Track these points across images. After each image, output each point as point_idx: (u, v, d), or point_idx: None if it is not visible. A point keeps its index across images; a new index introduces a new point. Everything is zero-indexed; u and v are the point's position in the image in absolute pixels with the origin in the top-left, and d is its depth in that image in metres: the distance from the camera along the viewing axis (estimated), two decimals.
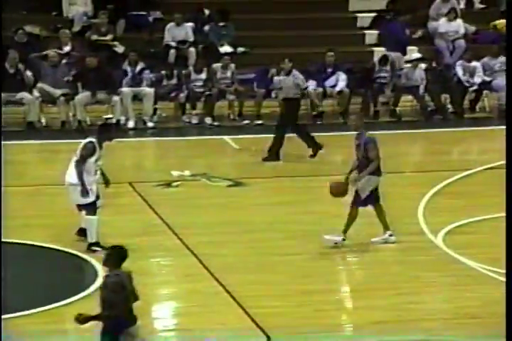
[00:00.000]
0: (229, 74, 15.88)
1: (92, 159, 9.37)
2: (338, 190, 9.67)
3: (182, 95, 15.64)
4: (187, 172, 12.46)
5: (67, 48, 16.20)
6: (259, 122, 15.61)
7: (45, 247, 9.49)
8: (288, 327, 7.81)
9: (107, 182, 9.71)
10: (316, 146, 13.21)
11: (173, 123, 15.65)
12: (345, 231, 9.62)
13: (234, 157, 13.61)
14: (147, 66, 15.70)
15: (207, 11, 17.86)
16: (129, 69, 15.59)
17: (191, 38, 17.33)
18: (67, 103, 15.13)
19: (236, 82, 15.84)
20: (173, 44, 17.24)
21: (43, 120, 15.11)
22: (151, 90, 15.43)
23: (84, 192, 9.32)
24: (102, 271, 8.87)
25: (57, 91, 15.13)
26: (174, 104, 15.88)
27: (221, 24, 17.39)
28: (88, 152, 9.36)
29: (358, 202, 9.58)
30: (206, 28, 17.60)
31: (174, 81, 15.76)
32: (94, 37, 16.92)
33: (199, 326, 7.90)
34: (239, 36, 17.47)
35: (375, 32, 18.28)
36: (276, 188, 12.00)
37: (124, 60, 15.88)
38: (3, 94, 14.63)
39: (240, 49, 17.33)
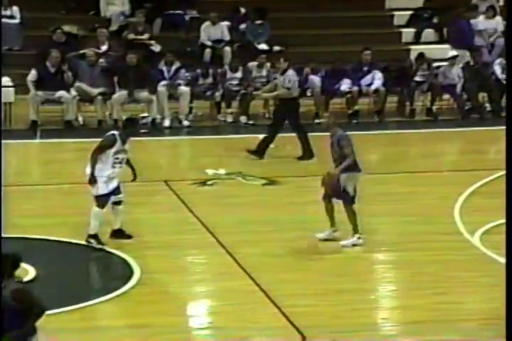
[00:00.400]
0: (264, 72, 15.87)
1: (111, 151, 9.35)
2: (330, 181, 9.61)
3: (217, 94, 15.66)
4: (222, 171, 12.47)
5: (104, 47, 16.30)
6: None
7: (82, 245, 9.54)
8: (323, 326, 7.78)
9: (134, 176, 9.70)
10: (262, 150, 13.11)
11: (209, 121, 15.68)
12: (356, 231, 9.56)
13: (269, 155, 13.58)
14: (183, 65, 15.75)
15: (243, 10, 17.87)
16: (164, 68, 15.64)
17: (227, 37, 17.36)
18: (104, 102, 15.22)
19: (271, 80, 15.81)
20: (209, 43, 17.28)
21: (80, 119, 15.21)
22: (186, 89, 15.48)
23: (93, 181, 9.33)
24: (137, 268, 8.92)
25: (95, 90, 15.22)
26: (210, 103, 15.91)
27: (257, 22, 17.39)
28: (107, 143, 9.37)
29: (347, 199, 9.53)
30: (242, 26, 17.61)
31: (210, 80, 15.78)
32: (131, 36, 17.01)
33: (234, 324, 7.89)
34: (274, 35, 17.46)
35: (412, 30, 18.19)
36: (311, 187, 11.93)
37: (160, 59, 15.95)
38: (42, 93, 14.74)
39: (276, 48, 17.32)
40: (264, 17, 17.45)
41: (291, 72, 13.18)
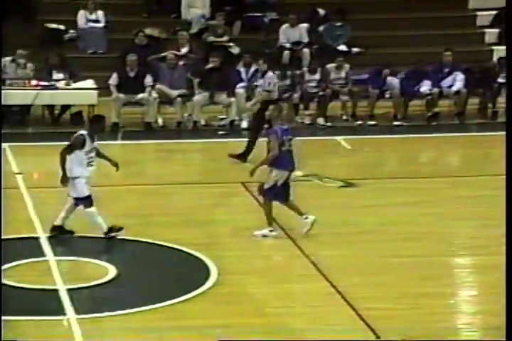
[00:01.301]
0: (343, 74, 15.79)
1: (83, 151, 9.52)
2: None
3: (295, 96, 15.64)
4: (299, 173, 12.40)
5: (184, 50, 16.44)
6: (373, 123, 15.47)
7: (163, 245, 9.61)
8: (401, 329, 7.69)
9: (115, 165, 9.87)
10: (245, 154, 12.81)
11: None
12: (270, 223, 9.73)
13: (346, 158, 13.51)
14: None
15: (322, 12, 17.82)
16: (243, 70, 15.68)
17: (306, 39, 17.33)
18: (183, 104, 15.34)
19: (350, 82, 15.74)
20: (288, 45, 17.28)
21: (160, 120, 15.36)
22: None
23: (64, 181, 9.49)
24: (215, 269, 8.95)
25: (175, 92, 15.35)
26: (287, 105, 15.89)
27: (337, 24, 17.32)
28: (77, 143, 9.54)
29: (264, 193, 9.74)
30: (321, 28, 17.56)
31: (288, 81, 15.77)
32: (211, 38, 17.12)
33: (311, 326, 7.86)
34: (353, 36, 17.37)
35: (496, 30, 17.87)
36: (390, 189, 11.86)
37: (238, 61, 16.00)
38: (123, 96, 14.93)
39: (355, 49, 17.21)
40: (344, 18, 17.37)
41: (270, 74, 13.14)
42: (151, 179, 12.52)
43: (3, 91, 14.47)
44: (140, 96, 15.04)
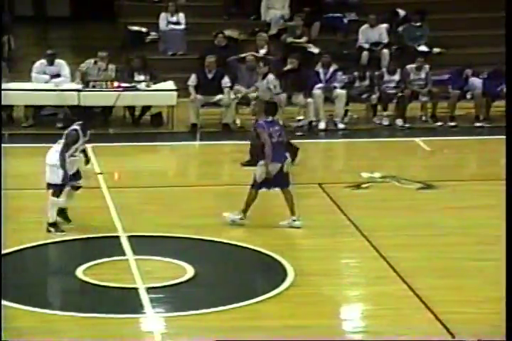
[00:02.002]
0: (423, 75, 15.65)
1: (76, 145, 9.80)
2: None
3: (374, 96, 15.56)
4: (376, 174, 12.37)
5: (262, 51, 16.50)
6: (453, 124, 15.29)
7: (239, 246, 9.68)
8: (480, 334, 7.59)
9: (87, 161, 10.12)
10: (295, 153, 12.54)
11: (364, 124, 15.59)
12: (243, 211, 10.04)
13: (425, 159, 13.38)
14: (340, 68, 15.73)
15: (402, 12, 17.69)
16: (321, 70, 15.67)
17: (385, 40, 17.23)
18: None
19: (430, 83, 15.59)
20: (367, 46, 17.20)
21: (238, 121, 15.45)
22: (343, 92, 15.45)
23: (66, 178, 9.68)
24: (291, 270, 8.97)
25: (253, 93, 15.41)
26: (366, 106, 15.82)
27: (416, 24, 17.16)
28: (72, 140, 9.77)
29: (253, 185, 9.99)
30: (400, 28, 17.44)
31: (366, 82, 15.70)
32: (290, 39, 17.15)
33: (387, 329, 7.81)
34: (434, 36, 17.20)
35: None
36: (470, 191, 11.71)
37: (317, 62, 16.00)
38: (202, 97, 15.05)
39: (435, 49, 17.04)
40: (423, 19, 17.22)
41: (271, 77, 12.98)
42: (227, 179, 12.60)
43: (86, 92, 14.76)
44: (218, 97, 15.15)
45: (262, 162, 10.00)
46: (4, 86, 14.73)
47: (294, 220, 10.16)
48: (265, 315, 8.08)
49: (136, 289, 8.45)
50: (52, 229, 9.87)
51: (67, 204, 10.03)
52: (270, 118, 10.10)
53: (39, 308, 7.87)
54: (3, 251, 9.17)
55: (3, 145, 12.67)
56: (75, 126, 9.95)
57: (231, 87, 15.31)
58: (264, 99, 12.85)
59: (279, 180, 10.08)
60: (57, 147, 9.84)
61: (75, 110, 14.71)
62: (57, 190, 9.80)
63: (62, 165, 9.70)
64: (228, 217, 10.17)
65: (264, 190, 10.11)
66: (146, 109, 15.32)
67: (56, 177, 9.75)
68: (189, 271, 8.87)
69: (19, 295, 8.20)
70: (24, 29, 19.08)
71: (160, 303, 8.21)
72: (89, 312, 7.86)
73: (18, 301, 8.01)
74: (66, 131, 10.01)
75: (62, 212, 10.03)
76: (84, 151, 10.13)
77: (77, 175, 9.96)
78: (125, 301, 8.26)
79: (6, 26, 17.26)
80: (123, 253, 9.34)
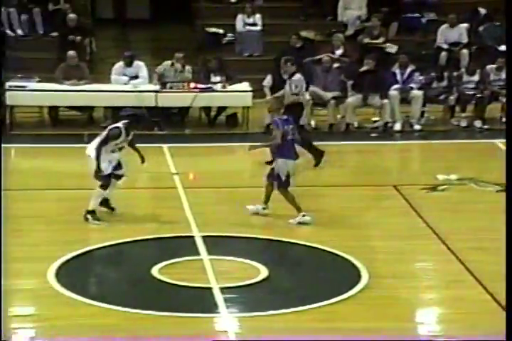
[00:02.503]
0: (503, 75, 15.39)
1: (116, 142, 10.13)
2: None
3: (452, 97, 15.37)
4: (453, 176, 12.21)
5: (339, 52, 16.45)
6: None
7: (313, 247, 9.66)
8: None
9: (142, 159, 10.49)
10: (319, 156, 12.71)
11: (441, 126, 15.41)
12: (299, 210, 10.11)
13: (504, 161, 13.14)
14: (417, 68, 15.58)
15: (482, 11, 17.43)
16: (398, 71, 15.55)
17: (465, 40, 17.00)
18: (336, 106, 15.35)
19: None
20: (445, 46, 17.00)
21: (312, 122, 15.42)
22: (419, 93, 15.30)
23: (99, 170, 10.07)
24: (365, 272, 8.91)
25: (328, 95, 15.38)
26: (443, 107, 15.64)
27: (498, 24, 16.90)
28: (112, 136, 10.13)
29: (281, 184, 10.10)
30: (481, 28, 17.19)
31: (444, 83, 15.52)
32: (366, 40, 17.05)
33: (464, 333, 7.71)
34: None
35: None
36: None
37: (394, 63, 15.87)
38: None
39: None
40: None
41: (297, 77, 12.79)
42: (302, 180, 12.57)
43: (163, 94, 14.92)
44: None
45: (281, 159, 10.14)
46: (85, 87, 15.01)
47: (264, 208, 10.36)
48: (339, 317, 8.05)
49: (210, 289, 8.50)
50: (89, 217, 10.13)
51: (107, 195, 10.36)
52: (285, 117, 10.23)
53: (119, 306, 7.97)
54: (84, 250, 9.33)
55: (85, 145, 12.86)
56: (119, 124, 10.27)
57: (306, 88, 15.28)
58: (293, 102, 12.91)
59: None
60: (97, 140, 10.19)
61: (153, 111, 14.90)
62: (103, 180, 10.12)
63: (97, 157, 10.05)
64: (293, 222, 10.16)
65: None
66: (221, 109, 15.41)
67: (103, 167, 10.11)
68: (263, 272, 8.89)
69: (100, 293, 8.32)
70: (105, 31, 19.38)
71: (234, 303, 8.24)
72: (166, 310, 7.94)
73: (98, 299, 8.14)
74: (109, 127, 10.34)
75: (105, 202, 10.37)
76: (136, 150, 10.45)
77: (118, 166, 10.27)
78: (200, 301, 8.31)
79: (88, 29, 17.56)
80: (197, 253, 9.40)
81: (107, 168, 10.16)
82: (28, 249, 9.43)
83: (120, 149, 10.33)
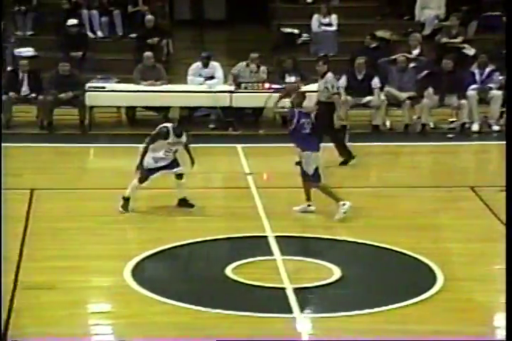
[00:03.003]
0: None
1: (165, 142, 10.34)
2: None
3: None
4: None
5: (415, 52, 16.30)
6: None
7: (385, 248, 9.59)
8: None
9: (192, 162, 10.60)
10: (349, 155, 12.59)
11: None
12: (338, 200, 10.29)
13: None
14: (497, 68, 15.34)
15: None
16: (477, 71, 15.34)
17: None
18: (412, 106, 15.21)
19: None
20: None
21: (387, 123, 15.31)
22: (499, 93, 15.07)
23: (139, 168, 10.35)
24: (441, 274, 8.81)
25: (403, 95, 15.26)
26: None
27: None
28: (159, 135, 10.38)
29: (312, 180, 10.31)
30: None
31: None
32: (444, 40, 16.86)
33: None
34: None
35: None
36: None
37: (472, 63, 15.66)
38: (351, 98, 15.01)
39: None
40: None
41: (330, 76, 12.54)
42: (375, 181, 12.51)
43: (238, 94, 14.99)
44: (368, 98, 15.06)
45: (308, 152, 10.31)
46: (161, 88, 15.17)
47: (309, 205, 10.47)
48: (413, 320, 7.96)
49: (283, 289, 8.51)
50: (122, 203, 10.43)
51: (181, 195, 10.59)
52: (305, 110, 10.45)
53: (192, 305, 8.04)
54: (159, 248, 9.42)
55: None
56: (167, 124, 10.53)
57: (381, 89, 15.19)
58: (320, 99, 12.82)
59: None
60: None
61: (227, 111, 14.99)
62: (144, 174, 10.35)
63: (142, 154, 10.31)
64: (339, 217, 10.28)
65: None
66: None
67: (146, 162, 10.35)
68: (336, 273, 8.85)
69: (174, 291, 8.40)
70: (182, 32, 19.57)
71: (307, 304, 8.23)
72: (238, 310, 7.97)
73: (172, 297, 8.20)
74: (159, 126, 10.53)
75: (183, 201, 10.61)
76: (189, 153, 10.59)
77: (173, 164, 10.45)
78: (273, 301, 8.32)
79: (165, 30, 17.76)
80: (271, 253, 9.41)
81: (149, 164, 10.38)
82: (105, 247, 9.58)
83: (174, 152, 10.47)
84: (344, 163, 12.83)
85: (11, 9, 17.85)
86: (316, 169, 10.37)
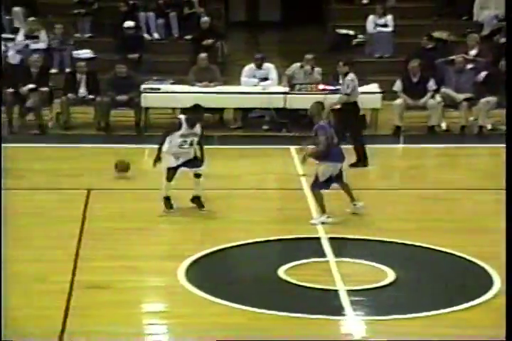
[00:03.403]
0: None
1: (178, 133, 10.41)
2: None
3: None
4: None
5: (473, 52, 16.14)
6: None
7: (441, 251, 9.51)
8: None
9: (201, 160, 10.57)
10: (363, 160, 12.47)
11: None
12: (323, 211, 10.25)
13: None
14: None
15: None
16: None
17: None
18: (469, 108, 15.06)
19: None
20: None
21: (443, 124, 15.18)
22: None
23: (157, 159, 10.42)
24: (498, 278, 8.70)
25: (460, 96, 15.11)
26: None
27: None
28: (174, 126, 10.47)
29: (314, 185, 10.25)
30: None
31: None
32: (503, 40, 16.66)
33: None
34: None
35: None
36: None
37: None
38: (410, 100, 14.92)
39: None
40: None
41: (351, 77, 12.31)
42: (431, 184, 12.39)
43: (292, 95, 14.98)
44: (424, 100, 14.96)
45: (329, 163, 10.22)
46: (215, 89, 15.24)
47: (355, 205, 10.47)
48: (468, 324, 7.88)
49: (336, 291, 8.48)
50: (163, 203, 10.55)
51: (196, 193, 10.61)
52: (327, 121, 10.33)
53: (245, 306, 8.06)
54: (212, 249, 9.48)
55: (215, 146, 13.08)
56: (180, 116, 10.73)
57: (437, 90, 15.06)
58: (346, 101, 12.75)
59: (339, 178, 10.36)
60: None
61: (281, 112, 14.99)
62: (169, 173, 10.45)
63: (158, 148, 10.42)
64: (316, 222, 10.25)
65: (324, 190, 10.30)
66: None
67: (167, 161, 10.44)
68: (390, 275, 8.80)
69: (227, 292, 8.43)
70: (237, 34, 19.63)
71: (360, 306, 8.19)
72: (291, 311, 7.96)
73: (225, 298, 8.24)
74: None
75: (196, 199, 10.67)
76: (201, 149, 10.61)
77: (194, 162, 10.49)
78: (325, 302, 8.30)
79: (220, 32, 17.84)
80: (324, 255, 9.40)
81: (172, 162, 10.45)
82: (160, 247, 9.65)
83: (190, 144, 10.51)
84: (354, 165, 12.57)
85: (71, 11, 18.11)
86: (328, 179, 10.29)
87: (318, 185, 10.33)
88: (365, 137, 13.03)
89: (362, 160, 12.78)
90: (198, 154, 10.64)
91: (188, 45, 17.47)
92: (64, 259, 9.13)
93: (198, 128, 10.60)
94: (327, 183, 10.35)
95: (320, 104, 10.49)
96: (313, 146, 10.33)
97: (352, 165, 12.36)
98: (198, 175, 10.63)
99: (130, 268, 9.00)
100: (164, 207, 10.62)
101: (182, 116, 10.70)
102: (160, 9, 18.20)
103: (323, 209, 10.32)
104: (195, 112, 10.65)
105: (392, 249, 9.70)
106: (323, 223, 10.24)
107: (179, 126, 10.54)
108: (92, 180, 12.07)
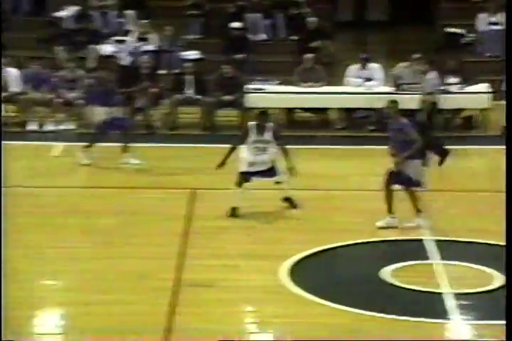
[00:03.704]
0: None
1: (249, 140, 10.37)
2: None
3: None
4: None
5: None
6: None
7: None
8: None
9: (290, 170, 10.44)
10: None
11: None
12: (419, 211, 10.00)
13: None
14: None
15: None
16: None
17: None
18: None
19: None
20: None
21: None
22: None
23: (221, 163, 10.48)
24: None
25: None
26: None
27: None
28: (242, 133, 10.46)
29: (412, 184, 9.99)
30: None
31: None
32: None
33: None
34: None
35: None
36: None
37: None
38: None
39: None
40: None
41: (431, 75, 11.70)
42: (490, 185, 12.05)
43: (399, 96, 14.82)
44: None
45: (417, 161, 9.99)
46: (319, 89, 15.20)
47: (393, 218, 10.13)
48: None
49: (441, 294, 8.34)
50: (229, 214, 10.42)
51: (285, 195, 10.62)
52: (404, 118, 10.12)
53: (347, 307, 8.02)
54: (315, 249, 9.45)
55: (319, 146, 13.02)
56: (250, 122, 10.60)
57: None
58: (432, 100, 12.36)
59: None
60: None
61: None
62: (240, 178, 10.38)
63: (226, 154, 10.42)
64: (384, 224, 10.06)
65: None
66: (457, 111, 15.09)
67: (241, 166, 10.42)
68: (497, 279, 8.60)
69: (328, 292, 8.40)
70: (344, 34, 19.53)
71: (467, 310, 8.03)
72: (394, 314, 7.88)
73: (327, 298, 8.22)
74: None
75: (288, 199, 10.66)
76: (286, 154, 10.48)
77: (272, 171, 10.45)
78: (430, 305, 8.17)
79: (327, 32, 17.78)
80: (429, 257, 9.25)
81: (243, 167, 10.40)
82: (263, 246, 9.69)
83: (263, 150, 10.41)
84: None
85: (184, 13, 18.34)
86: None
87: (414, 184, 10.08)
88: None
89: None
90: (276, 162, 10.51)
91: (294, 46, 17.47)
92: (166, 257, 9.23)
93: (267, 135, 10.48)
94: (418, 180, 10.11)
95: (396, 103, 10.31)
96: (393, 144, 10.10)
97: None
98: (278, 183, 10.62)
99: (233, 266, 9.05)
100: (229, 214, 10.50)
101: (251, 123, 10.61)
102: (267, 10, 18.26)
103: (418, 210, 10.11)
104: (261, 119, 10.57)
105: (499, 251, 9.45)
106: (388, 226, 10.05)
107: (246, 133, 10.48)
108: (198, 179, 12.18)
